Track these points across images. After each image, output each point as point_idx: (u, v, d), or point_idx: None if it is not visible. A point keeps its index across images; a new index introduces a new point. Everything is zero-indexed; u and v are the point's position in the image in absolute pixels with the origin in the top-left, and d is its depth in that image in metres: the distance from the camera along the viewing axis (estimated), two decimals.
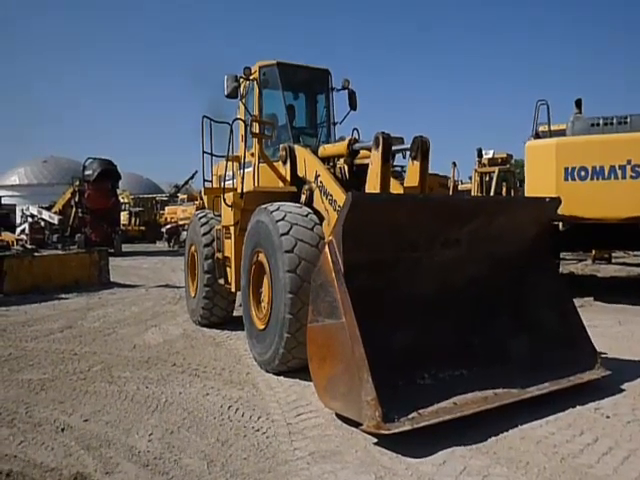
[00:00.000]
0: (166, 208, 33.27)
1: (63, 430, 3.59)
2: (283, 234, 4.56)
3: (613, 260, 14.20)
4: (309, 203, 5.26)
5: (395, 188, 5.08)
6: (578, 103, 8.93)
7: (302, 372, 4.47)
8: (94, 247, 15.55)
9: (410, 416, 3.22)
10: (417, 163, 4.79)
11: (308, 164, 5.50)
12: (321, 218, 4.95)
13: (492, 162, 17.14)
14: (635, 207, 7.19)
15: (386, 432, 3.07)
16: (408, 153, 4.88)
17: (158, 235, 29.72)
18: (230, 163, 6.39)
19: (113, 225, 22.73)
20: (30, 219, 23.07)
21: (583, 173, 7.47)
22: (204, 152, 6.48)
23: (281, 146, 5.91)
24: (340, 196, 4.75)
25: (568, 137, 8.20)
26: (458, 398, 3.50)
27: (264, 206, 5.03)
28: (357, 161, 5.53)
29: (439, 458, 3.03)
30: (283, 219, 4.68)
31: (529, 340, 4.35)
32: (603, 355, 5.02)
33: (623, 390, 4.12)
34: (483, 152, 17.29)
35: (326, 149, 5.85)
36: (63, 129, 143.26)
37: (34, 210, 23.87)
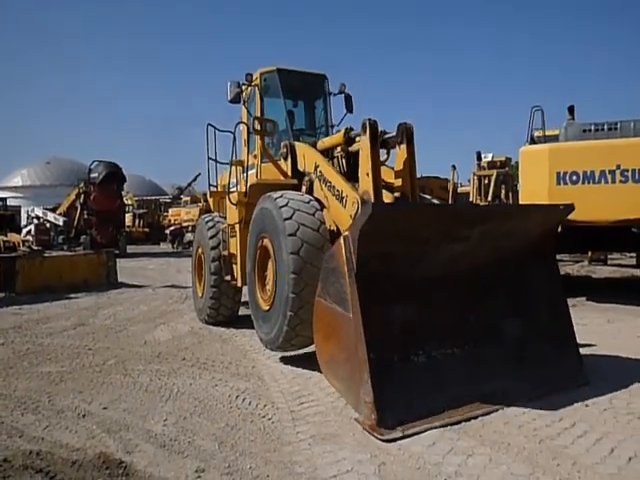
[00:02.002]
0: (170, 210, 33.68)
1: (84, 416, 3.89)
2: (286, 219, 4.83)
3: (609, 262, 14.47)
4: (309, 193, 5.56)
5: (386, 175, 5.36)
6: (571, 109, 9.19)
7: (304, 364, 4.79)
8: (100, 248, 15.86)
9: (403, 423, 3.45)
10: (404, 147, 5.10)
11: (307, 157, 5.82)
12: (322, 206, 5.22)
13: (491, 165, 17.44)
14: (624, 210, 7.48)
15: (379, 437, 3.35)
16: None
17: (162, 236, 30.13)
18: (234, 170, 6.71)
19: (118, 227, 23.09)
20: (36, 220, 23.43)
21: (574, 178, 7.76)
22: (209, 158, 6.82)
23: (282, 144, 6.27)
24: (339, 182, 5.07)
25: (560, 143, 8.49)
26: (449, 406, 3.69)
27: (268, 194, 5.31)
28: (352, 148, 5.72)
29: (429, 439, 3.33)
30: (286, 205, 4.95)
31: (521, 331, 4.50)
32: (590, 350, 5.31)
33: (605, 382, 4.37)
34: (482, 155, 17.58)
35: (324, 142, 6.19)
36: (66, 131, 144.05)
37: (39, 212, 24.22)
